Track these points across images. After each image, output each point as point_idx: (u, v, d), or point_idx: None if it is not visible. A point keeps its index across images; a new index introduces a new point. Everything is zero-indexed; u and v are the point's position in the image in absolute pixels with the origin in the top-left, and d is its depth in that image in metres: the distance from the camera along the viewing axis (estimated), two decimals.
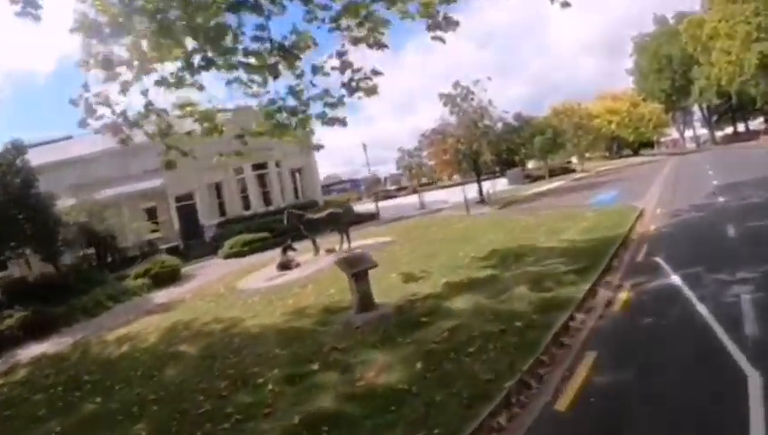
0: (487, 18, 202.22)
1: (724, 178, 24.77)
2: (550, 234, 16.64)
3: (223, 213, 36.57)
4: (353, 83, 11.83)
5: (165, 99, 12.57)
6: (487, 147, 35.14)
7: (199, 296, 17.51)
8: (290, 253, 20.03)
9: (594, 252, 12.77)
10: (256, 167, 36.35)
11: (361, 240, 22.74)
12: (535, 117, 51.46)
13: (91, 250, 28.58)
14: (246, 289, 16.90)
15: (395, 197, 61.87)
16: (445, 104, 36.39)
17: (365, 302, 10.57)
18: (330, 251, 20.58)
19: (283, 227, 23.06)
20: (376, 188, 69.97)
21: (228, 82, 11.52)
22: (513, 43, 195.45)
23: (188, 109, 11.78)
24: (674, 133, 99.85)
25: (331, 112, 12.24)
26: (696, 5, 69.74)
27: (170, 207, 35.70)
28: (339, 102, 12.16)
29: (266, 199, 37.15)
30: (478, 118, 35.49)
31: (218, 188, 36.85)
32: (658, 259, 11.59)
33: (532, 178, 52.03)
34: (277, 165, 37.45)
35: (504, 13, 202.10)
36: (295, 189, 40.03)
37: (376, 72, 11.95)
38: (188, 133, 12.79)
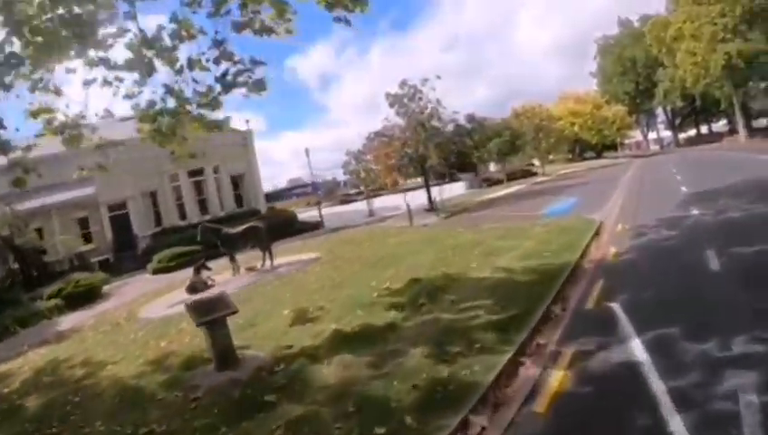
0: (453, 21, 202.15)
1: (694, 185, 21.77)
2: (486, 257, 13.48)
3: (159, 223, 34.20)
4: (228, 77, 9.71)
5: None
6: (435, 150, 31.91)
7: (96, 325, 15.24)
8: (204, 272, 17.34)
9: (532, 290, 9.54)
10: (192, 173, 34.39)
11: (286, 256, 20.60)
12: (491, 118, 48.47)
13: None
14: (144, 318, 14.81)
15: (354, 201, 58.63)
16: (391, 105, 33.15)
17: (223, 357, 8.36)
18: (250, 270, 18.62)
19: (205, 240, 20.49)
20: (336, 192, 67.37)
21: (86, 83, 9.71)
22: (478, 46, 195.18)
23: (44, 116, 10.13)
24: (637, 135, 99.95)
25: (211, 114, 10.42)
26: (660, 9, 69.95)
27: (103, 217, 32.73)
28: (214, 102, 9.97)
29: (203, 208, 35.02)
30: (426, 119, 32.28)
31: (154, 196, 34.35)
32: (616, 306, 8.22)
33: (491, 182, 49.44)
34: (215, 171, 35.46)
35: (470, 15, 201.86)
36: (236, 197, 37.37)
37: (256, 62, 9.60)
38: (28, 147, 10.61)
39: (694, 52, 57.28)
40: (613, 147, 75.34)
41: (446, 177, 41.27)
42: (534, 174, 56.56)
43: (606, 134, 72.18)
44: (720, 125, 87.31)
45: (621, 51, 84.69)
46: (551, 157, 72.49)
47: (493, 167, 63.18)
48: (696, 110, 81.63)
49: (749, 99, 63.94)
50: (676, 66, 62.63)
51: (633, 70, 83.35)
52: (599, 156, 78.23)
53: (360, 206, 43.79)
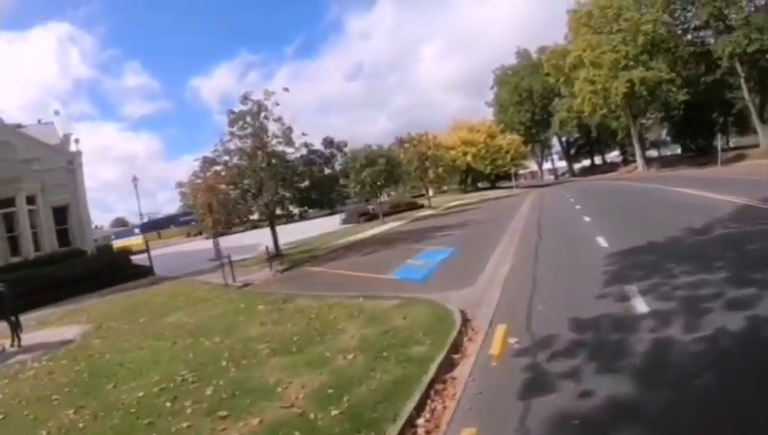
0: (358, 50, 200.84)
1: (616, 235, 14.51)
2: (213, 419, 5.91)
3: None
4: None
5: None
6: (273, 180, 24.30)
7: None
8: None
9: None
10: (1, 203, 26.53)
11: (50, 329, 15.57)
12: (369, 145, 41.67)
13: None
14: None
15: (232, 233, 49.96)
16: (231, 124, 25.22)
17: None
18: None
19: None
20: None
21: None
22: (381, 76, 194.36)
23: None
24: (532, 165, 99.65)
25: None
26: (560, 41, 69.12)
27: None
28: None
29: (14, 247, 26.80)
30: (269, 141, 24.81)
31: None
32: None
33: (368, 217, 42.78)
34: (30, 201, 27.20)
35: (375, 46, 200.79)
36: (59, 233, 28.90)
37: None
38: None
39: (593, 80, 56.05)
40: (507, 177, 71.46)
41: (294, 216, 33.26)
42: (420, 206, 50.85)
43: (500, 164, 68.57)
44: (613, 155, 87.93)
45: (518, 81, 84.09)
46: (445, 187, 67.47)
47: (386, 197, 57.17)
48: (591, 140, 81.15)
49: (644, 130, 63.77)
50: (573, 96, 61.32)
51: (529, 100, 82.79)
52: (493, 186, 74.89)
53: (232, 240, 35.20)
